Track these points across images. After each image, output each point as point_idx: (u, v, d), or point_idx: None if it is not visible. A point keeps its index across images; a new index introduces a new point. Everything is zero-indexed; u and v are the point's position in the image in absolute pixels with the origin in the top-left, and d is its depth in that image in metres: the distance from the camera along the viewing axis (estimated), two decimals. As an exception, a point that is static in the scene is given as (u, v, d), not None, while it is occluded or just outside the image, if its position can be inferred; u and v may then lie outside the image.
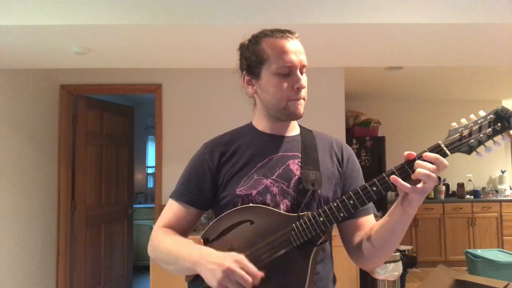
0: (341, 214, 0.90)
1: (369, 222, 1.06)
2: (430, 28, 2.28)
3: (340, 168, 1.09)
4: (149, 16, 2.17)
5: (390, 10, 2.18)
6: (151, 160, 5.82)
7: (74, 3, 2.14)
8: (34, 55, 2.68)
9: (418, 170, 0.82)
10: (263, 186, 1.01)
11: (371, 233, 0.98)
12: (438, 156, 0.83)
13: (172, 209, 1.09)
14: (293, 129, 1.12)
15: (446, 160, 0.83)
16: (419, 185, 0.83)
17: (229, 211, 1.00)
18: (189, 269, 0.94)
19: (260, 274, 0.86)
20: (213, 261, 0.87)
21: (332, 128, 3.65)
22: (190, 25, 2.21)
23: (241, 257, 0.86)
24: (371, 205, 1.07)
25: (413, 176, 0.84)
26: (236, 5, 2.17)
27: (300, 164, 1.04)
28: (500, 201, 5.14)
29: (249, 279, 0.83)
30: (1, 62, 2.81)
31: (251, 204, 0.99)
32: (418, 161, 0.84)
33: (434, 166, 0.82)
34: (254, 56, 1.03)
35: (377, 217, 1.07)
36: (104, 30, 2.26)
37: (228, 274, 0.83)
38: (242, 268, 0.84)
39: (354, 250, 1.05)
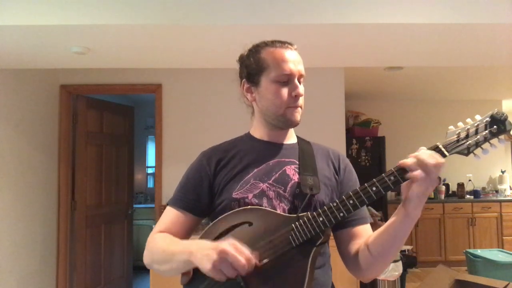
0: (341, 214, 0.90)
1: (366, 231, 1.06)
2: (430, 28, 2.28)
3: (337, 176, 1.10)
4: (149, 16, 2.17)
5: (390, 10, 2.18)
6: (151, 160, 5.82)
7: (74, 3, 2.14)
8: (34, 55, 2.69)
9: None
10: (259, 190, 1.01)
11: (369, 241, 0.98)
12: (432, 152, 0.84)
13: (169, 216, 1.09)
14: (291, 138, 1.15)
15: (441, 158, 0.83)
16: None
17: (227, 213, 1.00)
18: (185, 262, 0.93)
19: (254, 260, 0.86)
20: (209, 247, 0.87)
21: (332, 128, 3.65)
22: (190, 25, 2.21)
23: (237, 242, 0.86)
24: (368, 215, 1.09)
25: (407, 167, 0.85)
26: (236, 5, 2.17)
27: (297, 169, 1.05)
28: (500, 201, 5.14)
29: (243, 261, 0.83)
30: (1, 62, 2.81)
31: (250, 206, 0.99)
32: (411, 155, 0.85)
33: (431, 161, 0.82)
34: (254, 64, 1.07)
35: (376, 217, 1.08)
36: (104, 30, 2.26)
37: (222, 256, 0.83)
38: (236, 251, 0.84)
39: (351, 260, 1.04)
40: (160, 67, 3.42)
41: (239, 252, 0.84)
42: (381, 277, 2.99)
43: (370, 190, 0.89)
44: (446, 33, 2.36)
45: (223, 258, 0.83)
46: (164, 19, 2.18)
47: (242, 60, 1.12)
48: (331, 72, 3.65)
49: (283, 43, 1.07)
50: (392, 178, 0.87)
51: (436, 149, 0.86)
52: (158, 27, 2.23)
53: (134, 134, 4.50)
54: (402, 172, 0.86)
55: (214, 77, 3.61)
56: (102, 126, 3.95)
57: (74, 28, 2.20)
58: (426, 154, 0.83)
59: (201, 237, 1.01)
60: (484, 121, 0.86)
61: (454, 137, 0.87)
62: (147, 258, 1.05)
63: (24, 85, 3.21)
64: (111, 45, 2.53)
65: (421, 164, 0.82)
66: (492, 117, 0.85)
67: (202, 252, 0.87)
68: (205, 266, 0.85)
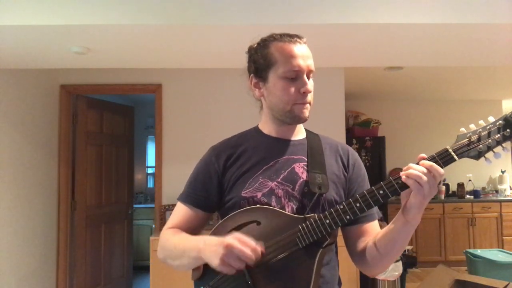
0: (347, 217, 0.90)
1: (373, 228, 1.06)
2: (430, 28, 2.28)
3: (345, 173, 1.09)
4: (149, 16, 2.17)
5: (390, 10, 2.18)
6: (151, 160, 5.82)
7: (74, 3, 2.13)
8: (34, 55, 2.68)
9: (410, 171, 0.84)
10: (268, 188, 1.01)
11: (375, 240, 0.99)
12: (432, 163, 0.84)
13: (179, 212, 1.10)
14: (299, 133, 1.13)
15: (441, 169, 0.83)
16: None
17: (237, 211, 1.00)
18: (195, 259, 0.95)
19: (260, 248, 0.87)
20: (215, 243, 0.89)
21: (332, 128, 3.64)
22: (190, 25, 2.21)
23: (241, 235, 0.88)
24: (376, 210, 1.07)
25: (403, 179, 0.85)
26: (236, 6, 2.16)
27: (305, 167, 1.05)
28: (500, 201, 5.14)
29: (249, 252, 0.85)
30: (1, 62, 2.81)
31: (258, 205, 0.99)
32: (410, 164, 0.85)
33: (424, 170, 0.83)
34: (262, 59, 1.04)
35: (378, 220, 1.08)
36: (104, 30, 2.26)
37: (228, 249, 0.85)
38: (241, 243, 0.86)
39: (358, 256, 1.05)
40: (160, 67, 3.42)
41: (244, 243, 0.86)
42: (381, 277, 2.99)
43: (377, 194, 0.89)
44: (446, 33, 2.36)
45: (229, 251, 0.85)
46: (164, 19, 2.18)
47: (251, 53, 1.09)
48: (331, 72, 3.65)
49: (292, 37, 1.04)
50: (399, 182, 0.87)
51: (445, 152, 0.85)
52: (158, 27, 2.22)
53: (134, 134, 4.50)
54: None
55: (214, 77, 3.61)
56: (102, 126, 3.95)
57: (74, 28, 2.20)
58: (425, 165, 0.83)
59: (211, 235, 1.02)
60: (497, 123, 0.83)
61: (465, 141, 0.85)
62: (160, 253, 1.07)
63: (24, 85, 3.21)
64: (111, 45, 2.53)
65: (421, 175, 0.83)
66: (506, 119, 0.83)
67: (210, 248, 0.89)
68: (214, 261, 0.87)
